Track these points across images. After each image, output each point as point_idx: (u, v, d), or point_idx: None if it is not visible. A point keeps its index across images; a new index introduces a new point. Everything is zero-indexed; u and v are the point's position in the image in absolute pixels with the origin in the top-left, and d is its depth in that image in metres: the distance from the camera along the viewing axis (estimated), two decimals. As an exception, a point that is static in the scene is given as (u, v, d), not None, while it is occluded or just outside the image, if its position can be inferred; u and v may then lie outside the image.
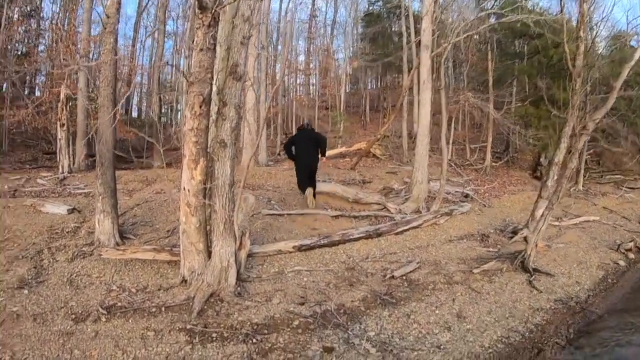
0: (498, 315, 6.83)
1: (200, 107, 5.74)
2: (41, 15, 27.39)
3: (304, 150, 11.54)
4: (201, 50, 5.70)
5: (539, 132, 19.34)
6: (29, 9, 26.51)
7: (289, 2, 30.68)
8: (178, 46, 31.91)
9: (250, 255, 7.47)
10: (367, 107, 32.50)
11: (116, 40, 8.41)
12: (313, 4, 33.72)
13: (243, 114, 14.87)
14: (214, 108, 6.25)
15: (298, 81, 35.90)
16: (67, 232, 9.45)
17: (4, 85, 23.53)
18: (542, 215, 9.31)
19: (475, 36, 26.27)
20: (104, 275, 7.23)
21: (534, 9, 21.38)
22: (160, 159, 17.07)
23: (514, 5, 15.73)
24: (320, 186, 12.31)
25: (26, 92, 25.27)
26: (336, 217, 11.12)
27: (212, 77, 5.85)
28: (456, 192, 15.29)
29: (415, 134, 24.89)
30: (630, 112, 17.99)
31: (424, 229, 10.92)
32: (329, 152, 17.56)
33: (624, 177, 20.97)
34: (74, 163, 17.18)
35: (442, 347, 5.77)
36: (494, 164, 21.56)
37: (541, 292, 7.90)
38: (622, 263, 10.55)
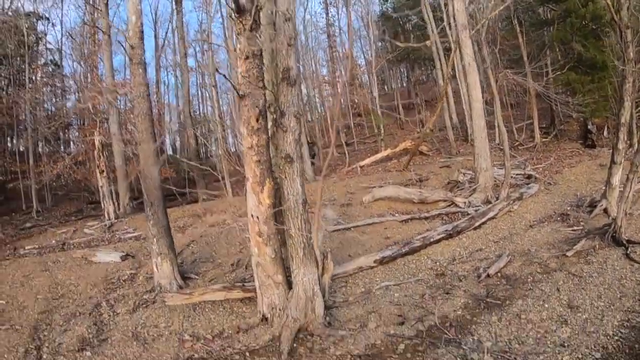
0: (609, 297, 6.04)
1: (257, 120, 5.05)
2: (63, 72, 27.96)
3: None
4: (247, 58, 5.03)
5: (585, 97, 18.22)
6: (50, 69, 26.94)
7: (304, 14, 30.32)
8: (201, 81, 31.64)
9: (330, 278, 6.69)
10: (400, 107, 31.29)
11: (145, 71, 7.88)
12: (327, 13, 32.94)
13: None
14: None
15: (324, 93, 35.04)
16: (124, 281, 8.97)
17: (39, 144, 23.76)
18: (627, 180, 8.31)
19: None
20: (172, 324, 6.55)
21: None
22: (205, 194, 16.88)
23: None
24: (381, 191, 11.92)
25: (62, 148, 25.70)
26: (405, 221, 10.42)
27: (264, 86, 5.15)
28: (517, 174, 14.36)
29: (454, 124, 23.98)
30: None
31: (500, 219, 10.18)
32: (375, 157, 19.32)
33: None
34: (119, 208, 16.91)
35: (566, 344, 5.00)
36: (543, 139, 20.44)
37: (643, 263, 6.95)
38: None
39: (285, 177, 5.51)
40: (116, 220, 15.77)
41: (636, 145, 13.72)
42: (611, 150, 10.50)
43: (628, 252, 7.41)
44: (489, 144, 13.40)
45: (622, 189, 8.90)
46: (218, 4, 23.82)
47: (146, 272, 8.93)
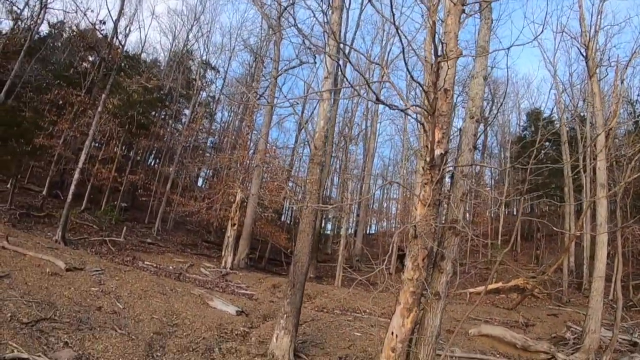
0: None
1: (423, 260, 5.90)
2: (214, 117, 31.93)
3: None
4: (428, 205, 5.95)
5: None
6: (205, 110, 30.78)
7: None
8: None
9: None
10: (519, 236, 29.88)
11: (322, 172, 9.16)
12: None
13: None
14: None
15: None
16: (237, 335, 9.83)
17: (179, 175, 26.85)
18: None
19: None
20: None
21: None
22: (314, 270, 17.99)
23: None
24: (488, 328, 12.23)
25: (196, 183, 28.96)
26: None
27: (436, 232, 6.02)
28: (623, 339, 13.67)
29: (570, 268, 22.92)
30: None
31: None
32: (486, 287, 17.89)
33: None
34: (234, 259, 18.50)
35: None
36: (660, 303, 19.04)
37: None
38: None
39: (430, 310, 6.25)
40: (231, 271, 17.33)
41: None
42: None
43: None
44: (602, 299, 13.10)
45: None
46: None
47: (259, 335, 9.76)
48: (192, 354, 8.13)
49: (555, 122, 29.42)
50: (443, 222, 6.54)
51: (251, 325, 10.70)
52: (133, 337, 8.15)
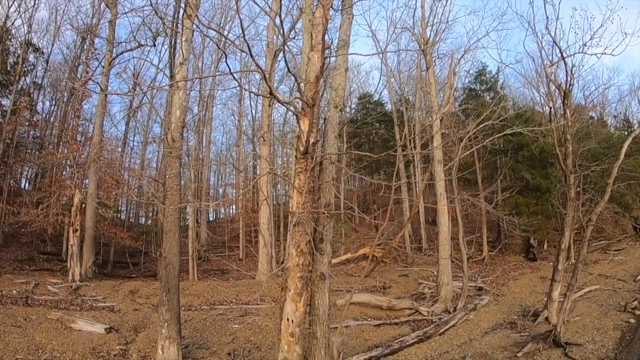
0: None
1: (306, 245, 6.11)
2: (35, 108, 26.86)
3: None
4: (305, 192, 6.14)
5: (530, 218, 20.90)
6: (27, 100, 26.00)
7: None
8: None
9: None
10: (357, 209, 30.90)
11: (181, 165, 8.73)
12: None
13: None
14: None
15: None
16: (115, 356, 9.03)
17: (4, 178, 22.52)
18: (565, 297, 10.80)
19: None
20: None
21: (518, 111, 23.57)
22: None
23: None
24: (355, 297, 13.15)
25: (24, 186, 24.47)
26: (378, 325, 11.72)
27: (314, 218, 6.27)
28: (470, 286, 16.09)
29: (409, 232, 25.62)
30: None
31: (460, 326, 11.85)
32: (338, 259, 19.92)
33: (608, 241, 22.50)
34: (81, 269, 16.41)
35: None
36: (490, 253, 22.66)
37: (578, 360, 8.69)
38: (632, 321, 11.75)
39: (318, 291, 6.55)
40: (81, 284, 15.53)
41: (573, 260, 16.08)
42: (552, 270, 12.62)
43: (566, 352, 9.47)
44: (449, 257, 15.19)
45: (561, 300, 11.08)
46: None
47: (139, 350, 9.14)
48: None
49: (386, 105, 32.18)
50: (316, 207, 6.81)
51: (126, 340, 9.89)
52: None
